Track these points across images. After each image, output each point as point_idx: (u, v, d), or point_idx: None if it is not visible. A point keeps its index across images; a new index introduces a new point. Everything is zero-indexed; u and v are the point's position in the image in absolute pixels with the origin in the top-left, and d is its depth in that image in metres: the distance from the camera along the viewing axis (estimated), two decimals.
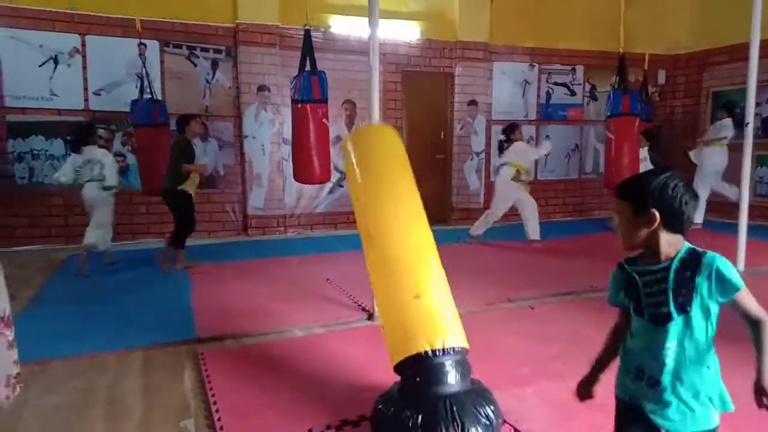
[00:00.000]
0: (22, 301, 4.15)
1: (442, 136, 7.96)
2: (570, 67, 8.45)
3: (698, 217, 7.10)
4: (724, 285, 1.43)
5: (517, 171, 6.15)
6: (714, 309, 1.44)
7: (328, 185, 7.10)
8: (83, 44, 6.22)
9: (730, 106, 7.03)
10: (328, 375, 2.85)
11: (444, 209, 8.08)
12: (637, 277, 1.51)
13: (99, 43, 6.25)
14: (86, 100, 6.27)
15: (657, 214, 1.42)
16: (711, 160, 6.93)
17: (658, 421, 1.46)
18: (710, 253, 1.48)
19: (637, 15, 8.25)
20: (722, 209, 7.14)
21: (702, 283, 1.43)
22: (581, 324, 3.63)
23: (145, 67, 5.75)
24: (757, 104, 6.96)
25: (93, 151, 5.12)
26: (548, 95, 8.38)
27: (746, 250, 4.85)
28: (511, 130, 6.31)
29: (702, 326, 1.45)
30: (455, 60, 7.74)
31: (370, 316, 3.72)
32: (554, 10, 8.07)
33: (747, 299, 1.46)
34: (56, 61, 6.14)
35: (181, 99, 6.65)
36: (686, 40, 8.77)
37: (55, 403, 2.58)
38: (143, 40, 6.39)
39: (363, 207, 2.50)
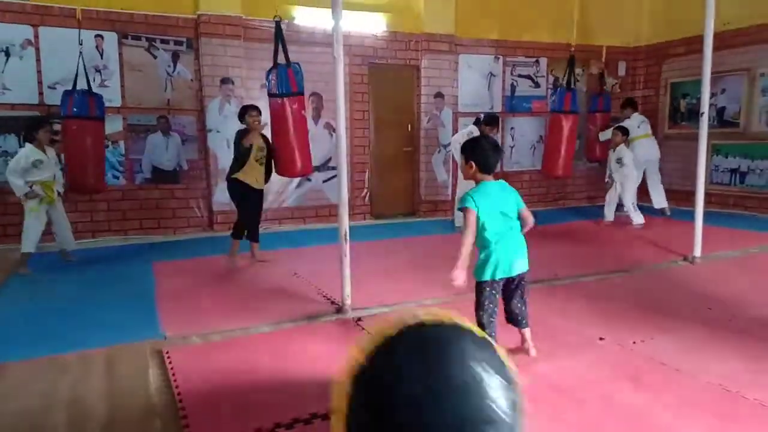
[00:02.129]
0: None
1: (409, 129, 7.97)
2: (534, 59, 8.56)
3: (662, 202, 7.35)
4: None
5: None
6: None
7: (296, 180, 7.05)
8: (36, 36, 5.98)
9: (631, 103, 7.64)
10: (296, 370, 2.84)
11: (413, 202, 8.11)
12: None
13: (53, 34, 6.01)
14: (41, 93, 6.04)
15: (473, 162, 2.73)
16: (639, 150, 7.20)
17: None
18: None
19: (597, 7, 8.43)
20: (680, 197, 7.38)
21: None
22: (546, 311, 3.70)
23: (81, 58, 5.54)
24: (712, 95, 7.25)
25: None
26: (513, 87, 8.48)
27: (703, 237, 5.03)
28: (489, 122, 6.33)
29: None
30: (421, 52, 7.75)
31: (339, 310, 3.71)
32: (518, 2, 8.17)
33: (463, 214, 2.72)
34: (8, 54, 5.89)
35: (142, 92, 6.49)
36: (645, 32, 8.99)
37: (15, 408, 2.50)
38: (100, 32, 6.22)
39: None
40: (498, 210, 2.71)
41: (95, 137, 5.60)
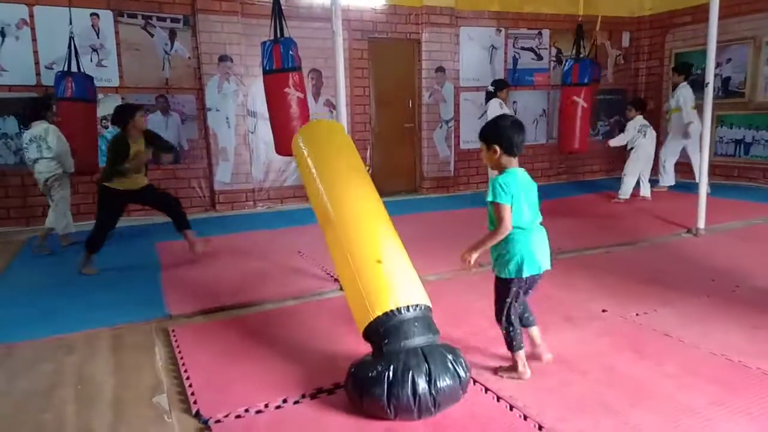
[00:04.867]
0: None
1: (410, 105, 7.90)
2: (536, 32, 8.43)
3: (669, 180, 7.23)
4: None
5: None
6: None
7: None
8: (31, 15, 5.90)
9: (685, 67, 7.05)
10: (301, 346, 2.86)
11: (414, 179, 8.08)
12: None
13: (48, 13, 5.93)
14: (38, 74, 5.99)
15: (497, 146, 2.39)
16: (674, 123, 7.02)
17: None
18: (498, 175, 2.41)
19: None
20: (684, 170, 7.32)
21: None
22: (549, 285, 3.69)
23: (72, 38, 5.42)
24: (717, 65, 7.10)
25: (38, 127, 4.96)
26: (515, 60, 8.37)
27: (707, 209, 5.00)
28: (500, 86, 6.53)
29: (490, 218, 2.44)
30: (422, 26, 7.63)
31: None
32: None
33: (494, 209, 2.37)
34: (3, 35, 5.83)
35: (139, 71, 6.42)
36: (649, 1, 8.82)
37: (24, 387, 2.53)
38: (96, 11, 6.13)
39: (320, 194, 2.66)
40: (528, 200, 2.39)
41: (87, 119, 5.54)
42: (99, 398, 2.42)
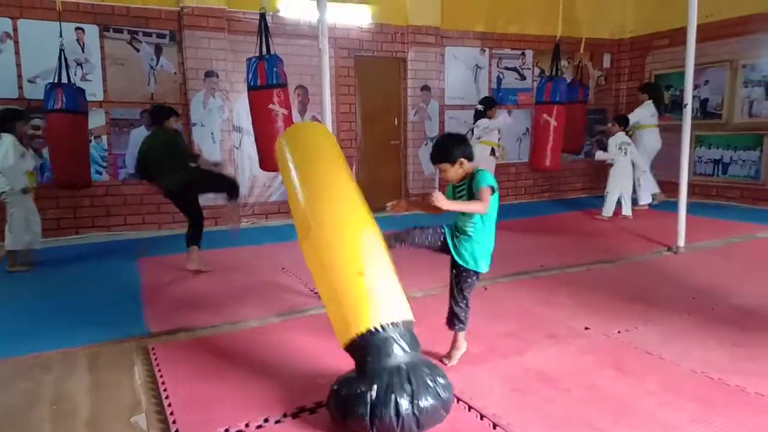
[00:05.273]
0: None
1: (396, 122, 7.96)
2: (520, 52, 8.58)
3: (644, 198, 7.36)
4: (476, 184, 2.53)
5: (492, 149, 6.45)
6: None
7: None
8: (15, 29, 5.87)
9: (648, 87, 7.58)
10: (284, 364, 2.83)
11: (399, 195, 8.09)
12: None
13: (32, 27, 5.90)
14: (20, 88, 5.93)
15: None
16: (648, 139, 7.25)
17: (456, 258, 2.66)
18: (479, 170, 2.60)
19: (583, 0, 8.45)
20: (664, 188, 7.44)
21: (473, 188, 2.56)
22: (532, 302, 3.73)
23: (62, 51, 5.40)
24: (695, 87, 7.30)
25: None
26: (499, 80, 8.50)
27: (687, 227, 5.09)
28: (489, 105, 6.55)
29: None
30: (407, 45, 7.73)
31: None
32: None
33: (480, 192, 2.50)
34: None
35: (124, 86, 6.40)
36: (630, 24, 9.05)
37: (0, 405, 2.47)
38: (81, 25, 6.11)
39: (301, 200, 2.53)
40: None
41: (79, 131, 5.50)
42: (76, 417, 2.36)
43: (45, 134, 5.72)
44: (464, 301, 2.73)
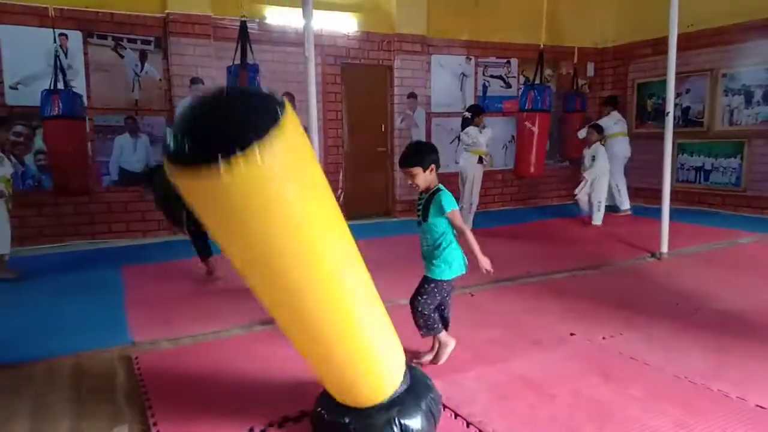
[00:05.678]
0: None
1: (383, 129, 7.97)
2: (505, 60, 8.66)
3: (626, 204, 7.46)
4: (441, 207, 2.64)
5: (480, 157, 6.46)
6: (442, 220, 2.69)
7: None
8: None
9: (612, 101, 7.71)
10: (268, 373, 2.81)
11: (387, 202, 8.11)
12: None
13: (14, 33, 5.83)
14: (2, 95, 5.85)
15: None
16: (617, 147, 7.33)
17: (427, 272, 2.76)
18: (441, 189, 2.67)
19: (566, 9, 8.57)
20: (647, 195, 7.54)
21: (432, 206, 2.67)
22: (518, 309, 3.75)
23: (58, 57, 5.36)
24: (677, 95, 7.42)
25: None
26: (485, 88, 8.56)
27: (670, 233, 5.15)
28: (476, 113, 6.52)
29: (435, 230, 2.71)
30: (393, 52, 7.76)
31: None
32: (489, 3, 8.23)
33: (454, 217, 2.66)
34: None
35: (108, 92, 6.34)
36: (613, 33, 9.18)
37: None
38: (64, 31, 6.06)
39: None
40: None
41: (78, 137, 5.44)
42: (57, 429, 2.32)
43: (44, 140, 5.72)
44: (434, 311, 2.81)
